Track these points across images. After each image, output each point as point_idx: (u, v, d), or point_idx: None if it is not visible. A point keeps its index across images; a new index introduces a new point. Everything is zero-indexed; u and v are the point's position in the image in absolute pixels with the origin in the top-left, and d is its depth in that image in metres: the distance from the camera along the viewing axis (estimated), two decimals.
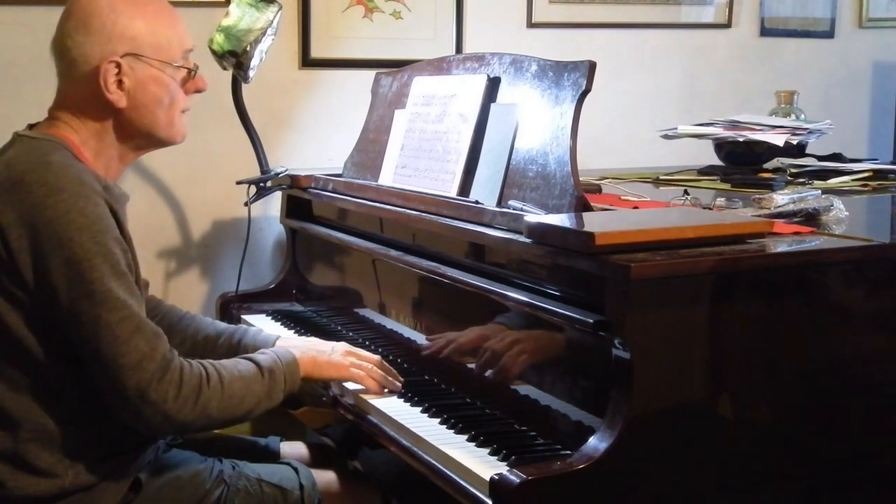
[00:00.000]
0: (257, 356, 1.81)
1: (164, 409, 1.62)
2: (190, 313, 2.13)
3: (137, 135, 1.79)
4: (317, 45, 3.08)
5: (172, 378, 1.63)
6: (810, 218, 1.94)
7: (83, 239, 1.60)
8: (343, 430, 2.08)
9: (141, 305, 1.67)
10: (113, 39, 1.72)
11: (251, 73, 2.62)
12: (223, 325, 2.15)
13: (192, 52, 1.84)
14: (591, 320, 1.52)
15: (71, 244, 1.59)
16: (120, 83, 1.73)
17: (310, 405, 2.01)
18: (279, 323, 2.54)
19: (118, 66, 1.72)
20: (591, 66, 1.84)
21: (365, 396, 1.92)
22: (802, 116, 3.10)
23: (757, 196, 2.04)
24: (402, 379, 1.95)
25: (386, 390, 1.92)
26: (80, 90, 1.74)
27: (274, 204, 2.92)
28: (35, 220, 1.60)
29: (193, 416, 1.65)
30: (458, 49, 3.20)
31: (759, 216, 1.89)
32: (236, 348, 2.06)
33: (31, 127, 1.79)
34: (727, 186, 2.50)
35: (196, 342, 2.06)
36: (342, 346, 1.96)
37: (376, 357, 1.96)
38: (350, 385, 1.95)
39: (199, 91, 1.86)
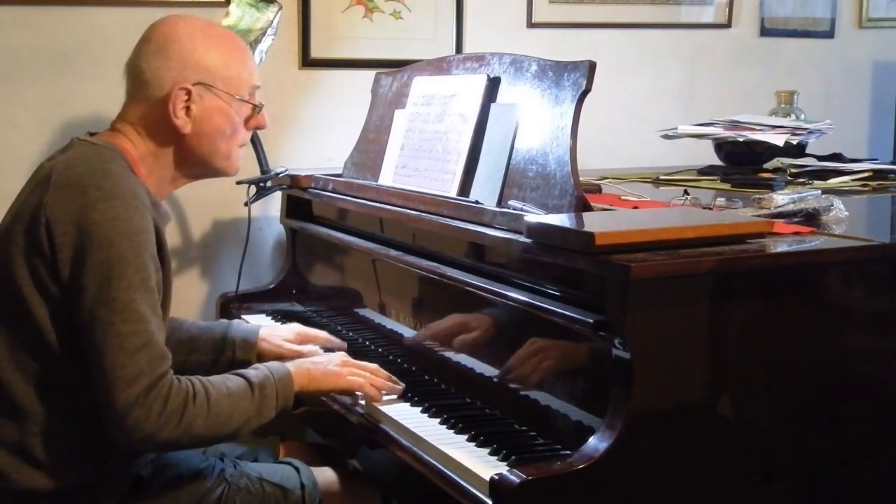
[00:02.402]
0: (249, 372, 1.79)
1: (147, 426, 1.60)
2: (177, 318, 2.13)
3: (195, 162, 1.84)
4: (317, 45, 3.08)
5: (159, 395, 1.61)
6: (810, 218, 1.94)
7: (122, 246, 1.62)
8: (343, 430, 2.08)
9: (160, 326, 1.67)
10: (188, 67, 1.77)
11: None
12: (207, 322, 2.18)
13: (259, 89, 1.89)
14: (591, 320, 1.52)
15: (110, 248, 1.61)
16: (187, 110, 1.78)
17: (310, 405, 2.00)
18: (279, 323, 2.54)
19: (188, 93, 1.77)
20: (591, 66, 1.84)
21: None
22: (802, 116, 3.10)
23: (757, 196, 2.04)
24: (402, 385, 1.92)
25: (385, 396, 1.89)
26: (148, 111, 1.79)
27: (274, 204, 2.92)
28: (83, 220, 1.63)
29: (177, 434, 1.63)
30: (458, 49, 3.19)
31: (759, 216, 1.89)
32: (222, 342, 2.08)
33: (91, 135, 1.81)
34: (727, 186, 2.50)
35: (181, 341, 2.07)
36: (339, 355, 1.95)
37: (373, 365, 1.94)
38: None
39: (259, 128, 1.92)
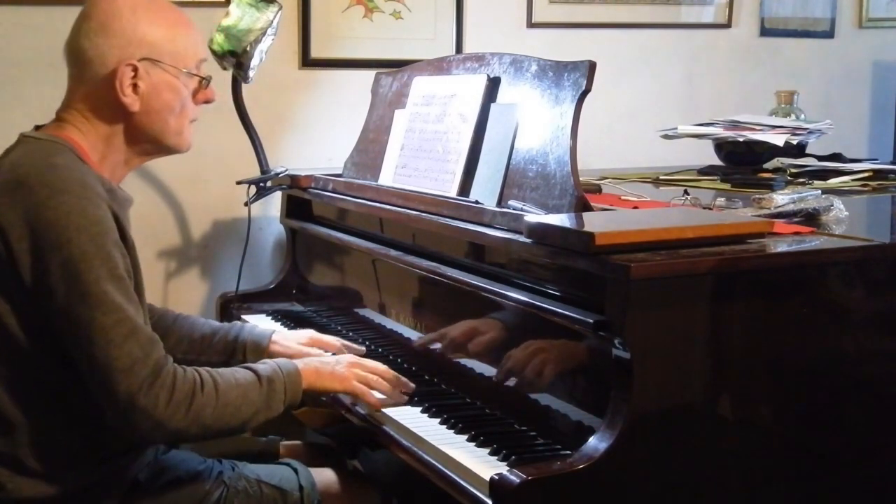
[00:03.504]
0: (257, 365, 1.78)
1: (155, 415, 1.59)
2: (184, 314, 2.13)
3: (146, 140, 1.79)
4: (317, 45, 3.08)
5: (164, 383, 1.60)
6: (810, 218, 1.94)
7: (82, 240, 1.59)
8: (343, 430, 2.08)
9: (138, 311, 1.65)
10: (132, 43, 1.73)
11: (251, 73, 2.62)
12: (218, 323, 2.15)
13: (205, 62, 1.86)
14: (591, 320, 1.52)
15: (70, 245, 1.58)
16: (135, 87, 1.73)
17: (310, 405, 2.00)
18: (279, 323, 2.54)
19: (135, 69, 1.73)
20: (591, 66, 1.84)
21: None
22: (802, 116, 3.10)
23: (757, 196, 2.03)
24: (412, 386, 1.89)
25: (388, 399, 1.86)
26: (93, 92, 1.75)
27: (274, 204, 2.92)
28: (36, 221, 1.59)
29: (186, 423, 1.62)
30: (458, 49, 3.19)
31: (759, 216, 1.89)
32: (233, 345, 2.06)
33: (37, 128, 1.78)
34: (727, 186, 2.50)
35: (192, 341, 2.06)
36: (347, 357, 1.93)
37: (383, 367, 1.91)
38: None
39: (207, 102, 1.87)
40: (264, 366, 1.78)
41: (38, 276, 1.60)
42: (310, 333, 2.14)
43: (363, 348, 2.12)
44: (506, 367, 1.79)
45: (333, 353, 2.10)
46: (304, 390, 1.80)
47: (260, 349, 2.06)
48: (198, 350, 2.05)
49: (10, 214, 1.61)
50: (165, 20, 1.77)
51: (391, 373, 1.90)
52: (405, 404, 1.87)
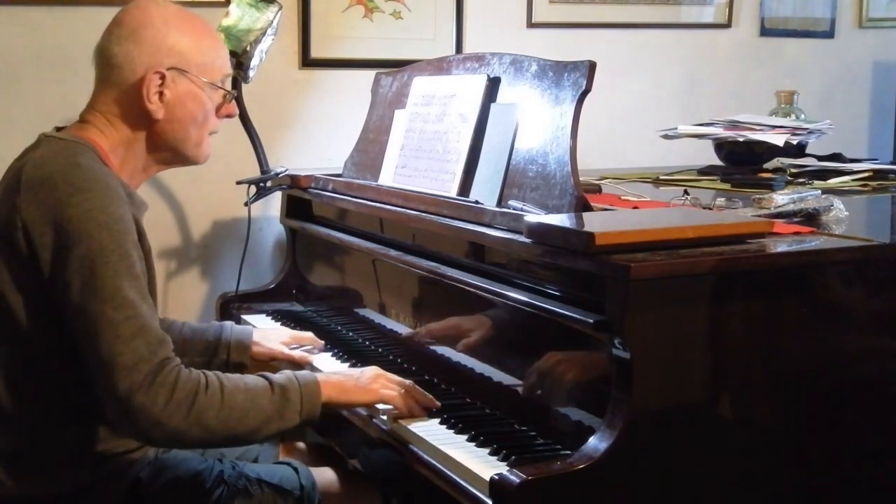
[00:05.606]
0: (273, 374, 1.74)
1: (154, 413, 1.57)
2: (168, 318, 2.13)
3: (166, 148, 1.82)
4: (317, 45, 3.08)
5: (165, 382, 1.59)
6: (810, 218, 1.94)
7: (102, 236, 1.60)
8: (343, 430, 2.08)
9: (152, 311, 1.65)
10: (161, 51, 1.76)
11: (251, 73, 2.63)
12: (199, 324, 2.18)
13: (230, 77, 1.89)
14: (591, 320, 1.52)
15: (90, 240, 1.60)
16: (161, 95, 1.76)
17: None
18: (279, 323, 2.54)
19: (162, 77, 1.75)
20: (591, 66, 1.84)
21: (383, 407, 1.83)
22: (802, 116, 3.10)
23: (757, 196, 2.04)
24: (438, 404, 1.82)
25: (416, 409, 1.80)
26: (119, 96, 1.77)
27: (274, 204, 2.92)
28: (59, 218, 1.61)
29: (187, 425, 1.60)
30: (458, 49, 3.20)
31: (759, 216, 1.89)
32: (215, 344, 2.09)
33: (58, 129, 1.80)
34: (727, 186, 2.50)
35: (174, 343, 2.05)
36: (372, 369, 1.86)
37: (408, 382, 1.85)
38: None
39: (229, 116, 1.90)
40: (280, 375, 1.75)
41: (56, 271, 1.61)
42: (289, 332, 2.27)
43: (321, 342, 2.23)
44: (505, 368, 1.79)
45: (314, 349, 2.21)
46: (324, 403, 1.75)
47: (243, 347, 2.11)
48: (179, 351, 2.04)
49: (33, 211, 1.63)
50: (195, 32, 1.80)
51: (418, 389, 1.84)
52: (429, 418, 1.80)
